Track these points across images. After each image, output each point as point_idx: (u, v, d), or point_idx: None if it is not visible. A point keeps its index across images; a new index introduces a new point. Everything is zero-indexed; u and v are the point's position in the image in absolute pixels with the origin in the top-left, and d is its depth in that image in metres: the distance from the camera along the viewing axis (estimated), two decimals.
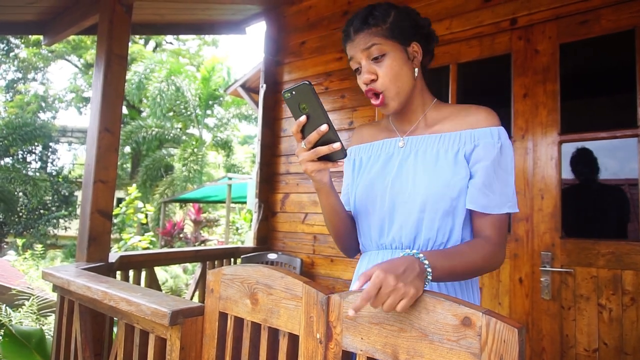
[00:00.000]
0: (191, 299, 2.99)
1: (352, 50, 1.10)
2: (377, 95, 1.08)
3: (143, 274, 2.80)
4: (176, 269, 8.00)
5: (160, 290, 2.83)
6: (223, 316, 1.22)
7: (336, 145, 0.92)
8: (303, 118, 0.93)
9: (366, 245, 1.17)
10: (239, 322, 1.18)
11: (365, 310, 0.90)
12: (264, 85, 3.58)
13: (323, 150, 0.93)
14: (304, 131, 0.95)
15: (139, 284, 2.69)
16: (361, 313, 0.91)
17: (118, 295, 1.42)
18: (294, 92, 0.91)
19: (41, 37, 3.07)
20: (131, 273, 2.70)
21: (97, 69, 2.28)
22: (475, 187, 1.02)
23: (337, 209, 1.13)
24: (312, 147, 0.95)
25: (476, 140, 1.03)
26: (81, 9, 2.59)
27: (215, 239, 13.26)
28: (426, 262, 0.86)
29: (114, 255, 2.46)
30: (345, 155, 0.95)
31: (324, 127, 0.91)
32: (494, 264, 1.01)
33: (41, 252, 8.61)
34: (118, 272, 2.57)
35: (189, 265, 8.16)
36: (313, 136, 0.92)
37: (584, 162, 2.85)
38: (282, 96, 0.93)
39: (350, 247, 1.24)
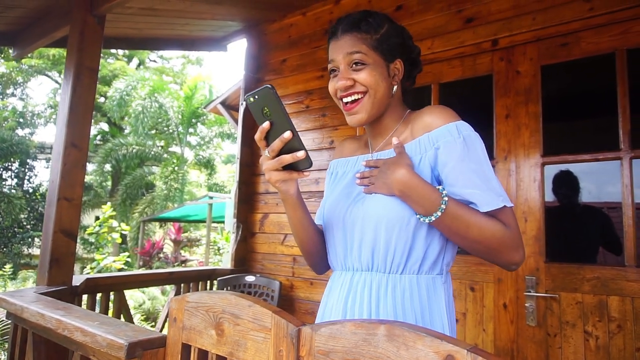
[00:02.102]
0: (162, 326, 2.85)
1: (334, 52, 1.03)
2: (351, 101, 1.02)
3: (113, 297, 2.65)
4: (154, 290, 7.74)
5: (130, 315, 2.68)
6: (186, 348, 1.12)
7: (300, 154, 0.86)
8: (266, 124, 0.87)
9: (334, 264, 1.10)
10: (203, 355, 1.08)
11: (339, 345, 0.82)
12: (244, 103, 3.51)
13: (287, 158, 0.87)
14: (268, 138, 0.89)
15: (107, 308, 2.54)
16: (335, 347, 0.82)
17: (73, 325, 1.30)
18: (256, 97, 0.85)
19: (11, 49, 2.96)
20: (99, 297, 2.56)
21: (65, 81, 2.18)
22: (455, 194, 0.92)
23: (304, 223, 1.07)
24: (277, 156, 0.89)
25: (435, 143, 0.95)
26: (52, 20, 2.50)
27: (196, 259, 13.00)
28: (443, 190, 0.89)
29: (79, 278, 2.32)
30: (310, 165, 0.90)
31: (287, 134, 0.85)
32: (509, 247, 0.89)
33: (10, 272, 8.26)
34: (84, 296, 2.43)
35: (167, 286, 7.92)
36: (276, 144, 0.86)
37: (566, 184, 2.83)
38: (245, 101, 0.87)
39: (319, 263, 1.17)
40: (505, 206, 0.90)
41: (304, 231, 1.08)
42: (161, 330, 2.84)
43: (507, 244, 0.89)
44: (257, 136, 0.89)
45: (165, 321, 2.92)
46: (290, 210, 1.04)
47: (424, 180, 0.90)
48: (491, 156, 2.34)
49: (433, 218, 0.89)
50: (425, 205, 0.89)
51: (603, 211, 3.15)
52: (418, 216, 0.92)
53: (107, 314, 2.52)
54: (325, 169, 2.98)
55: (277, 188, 0.96)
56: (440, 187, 0.91)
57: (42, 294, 1.82)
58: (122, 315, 2.64)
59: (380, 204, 0.97)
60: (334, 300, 1.05)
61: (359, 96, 1.01)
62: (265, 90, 0.84)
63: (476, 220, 0.88)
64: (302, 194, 1.13)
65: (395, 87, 1.05)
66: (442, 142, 0.94)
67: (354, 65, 1.00)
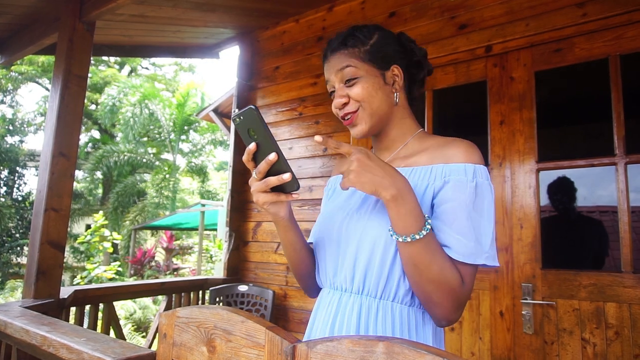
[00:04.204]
0: (152, 340, 2.78)
1: (328, 72, 1.02)
2: (348, 115, 1.00)
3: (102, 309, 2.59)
4: (145, 299, 7.64)
5: (120, 327, 2.62)
6: None
7: (286, 177, 0.83)
8: (252, 145, 0.84)
9: (322, 281, 1.05)
10: None
11: None
12: (237, 110, 3.48)
13: (273, 181, 0.84)
14: (255, 159, 0.86)
15: (96, 320, 2.47)
16: None
17: (58, 341, 1.25)
18: (241, 117, 0.82)
19: None
20: (87, 309, 2.50)
21: (53, 89, 2.14)
22: (441, 230, 0.87)
23: (296, 246, 1.02)
24: (264, 177, 0.85)
25: (447, 177, 0.90)
26: (41, 27, 2.45)
27: (188, 267, 12.87)
28: (428, 219, 0.84)
29: (67, 290, 2.26)
30: (297, 187, 0.86)
31: (272, 157, 0.82)
32: (455, 302, 0.85)
33: None
34: (72, 309, 2.36)
35: (158, 296, 7.82)
36: (262, 166, 0.83)
37: (562, 190, 2.83)
38: (232, 122, 0.84)
39: (311, 286, 1.12)
40: (472, 264, 0.86)
41: (295, 254, 1.04)
42: (151, 345, 2.78)
43: (455, 297, 0.84)
44: (245, 158, 0.86)
45: (155, 335, 2.86)
46: (282, 232, 1.00)
47: (413, 202, 0.83)
48: (486, 162, 2.32)
49: (409, 239, 0.81)
50: (407, 223, 0.82)
51: (601, 224, 3.15)
52: (392, 233, 0.84)
53: (96, 327, 2.46)
54: (319, 177, 2.96)
55: (266, 210, 0.92)
56: (426, 215, 0.85)
57: (27, 307, 1.77)
58: (111, 328, 2.58)
59: (380, 222, 0.91)
60: (320, 319, 1.00)
61: (355, 108, 0.98)
62: (249, 111, 0.81)
63: (442, 259, 0.84)
64: (295, 202, 1.10)
65: (397, 95, 1.02)
66: (453, 179, 0.89)
67: (347, 82, 0.98)
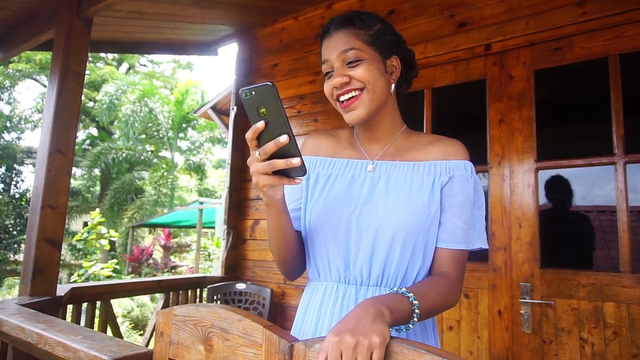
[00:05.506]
0: (149, 338, 2.77)
1: (328, 51, 0.98)
2: (347, 98, 0.97)
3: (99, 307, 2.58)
4: (143, 297, 7.62)
5: (117, 325, 2.61)
6: None
7: (296, 161, 0.79)
8: (261, 124, 0.78)
9: (323, 275, 1.02)
10: None
11: None
12: (235, 108, 3.47)
13: (280, 164, 0.80)
14: (260, 139, 0.81)
15: (93, 318, 2.47)
16: None
17: (54, 339, 1.25)
18: (253, 93, 0.77)
19: None
20: (84, 307, 2.49)
21: (50, 85, 2.12)
22: (453, 224, 0.97)
23: (286, 230, 0.99)
24: (268, 159, 0.81)
25: (451, 172, 0.99)
26: (38, 23, 2.44)
27: (186, 265, 12.87)
28: (413, 299, 0.82)
29: (64, 288, 2.25)
30: (305, 173, 0.82)
31: (283, 139, 0.77)
32: (451, 301, 0.95)
33: None
34: (69, 307, 2.35)
35: (156, 294, 7.80)
36: (270, 147, 0.79)
37: (560, 189, 2.83)
38: (239, 95, 0.80)
39: (294, 270, 1.09)
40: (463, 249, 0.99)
41: (284, 238, 1.00)
42: (148, 343, 2.77)
43: (458, 294, 0.96)
44: (249, 135, 0.80)
45: (152, 334, 2.85)
46: (273, 216, 0.96)
47: (392, 300, 0.79)
48: (485, 161, 2.33)
49: (411, 325, 0.82)
50: (402, 319, 0.80)
51: (589, 221, 3.15)
52: (393, 327, 0.82)
53: (93, 325, 2.45)
54: None
55: (264, 193, 0.88)
56: (403, 291, 0.82)
57: (24, 305, 1.76)
58: (108, 326, 2.57)
59: (398, 214, 0.95)
60: (332, 315, 0.98)
61: (356, 93, 0.96)
62: (265, 88, 0.76)
63: (439, 299, 0.90)
64: None
65: (393, 85, 1.02)
66: (457, 174, 0.99)
67: (349, 64, 0.96)
